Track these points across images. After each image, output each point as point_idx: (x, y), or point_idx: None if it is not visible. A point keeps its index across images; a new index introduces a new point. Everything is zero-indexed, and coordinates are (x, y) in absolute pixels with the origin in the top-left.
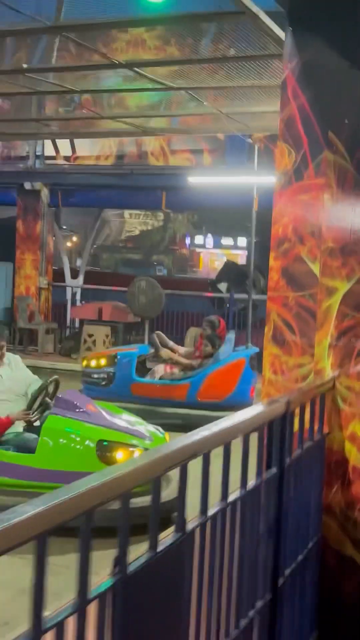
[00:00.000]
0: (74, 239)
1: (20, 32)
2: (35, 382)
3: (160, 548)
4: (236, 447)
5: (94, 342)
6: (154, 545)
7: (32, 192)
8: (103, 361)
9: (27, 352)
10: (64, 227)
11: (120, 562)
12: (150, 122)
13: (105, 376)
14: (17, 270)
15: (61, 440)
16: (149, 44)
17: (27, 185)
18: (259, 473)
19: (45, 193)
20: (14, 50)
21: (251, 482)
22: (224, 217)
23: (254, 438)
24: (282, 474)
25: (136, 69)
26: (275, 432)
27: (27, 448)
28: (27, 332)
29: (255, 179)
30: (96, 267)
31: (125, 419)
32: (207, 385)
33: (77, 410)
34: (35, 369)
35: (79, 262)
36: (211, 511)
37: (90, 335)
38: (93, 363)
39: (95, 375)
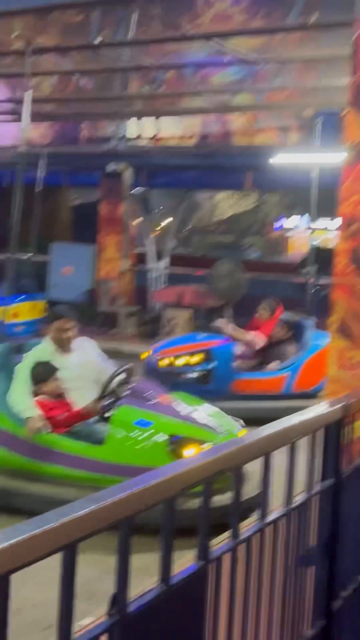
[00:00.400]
0: (164, 222)
1: (105, 2)
2: (108, 369)
3: (176, 579)
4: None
5: (174, 326)
6: (165, 578)
7: (115, 173)
8: (195, 358)
9: (108, 335)
10: (158, 209)
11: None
12: (234, 98)
13: (200, 374)
14: (99, 253)
15: (131, 433)
16: (236, 18)
17: (111, 167)
18: (311, 483)
19: (128, 174)
20: (99, 26)
21: (301, 495)
22: (317, 198)
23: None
24: (339, 485)
25: (220, 42)
26: (332, 437)
27: (97, 439)
28: (108, 315)
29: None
30: (187, 251)
31: (202, 411)
32: (303, 374)
33: (150, 401)
34: (115, 353)
35: (174, 247)
36: (250, 529)
37: (170, 320)
38: (181, 361)
39: (189, 375)
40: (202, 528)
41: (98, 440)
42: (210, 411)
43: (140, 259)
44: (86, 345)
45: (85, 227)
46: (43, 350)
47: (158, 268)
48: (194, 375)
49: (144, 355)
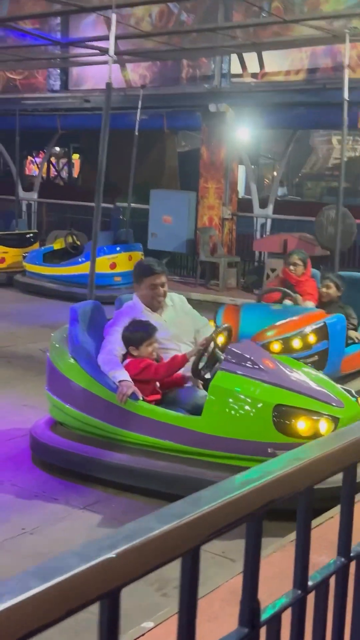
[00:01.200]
0: (273, 167)
1: None
2: (205, 327)
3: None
4: None
5: (277, 276)
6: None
7: (217, 114)
8: (312, 338)
9: (209, 286)
10: (263, 152)
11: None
12: (347, 26)
13: (316, 357)
14: (200, 200)
15: (231, 401)
16: None
17: (212, 107)
18: None
19: (230, 115)
20: None
21: None
22: None
23: None
24: None
25: None
26: None
27: (193, 408)
28: (209, 265)
29: None
30: (298, 197)
31: (310, 378)
32: None
33: (252, 365)
34: (215, 305)
35: (280, 192)
36: None
37: (273, 270)
38: (296, 344)
39: (309, 361)
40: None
41: (194, 409)
42: (318, 378)
43: (243, 206)
44: (177, 302)
45: (192, 174)
46: (133, 308)
47: (262, 215)
48: (314, 359)
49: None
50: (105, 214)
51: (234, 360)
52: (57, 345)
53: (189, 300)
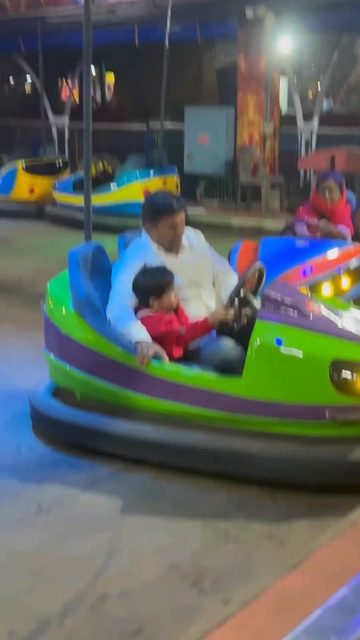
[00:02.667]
0: (317, 79)
1: None
2: (228, 272)
3: None
4: None
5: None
6: None
7: (255, 20)
8: (346, 282)
9: (250, 210)
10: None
11: None
12: None
13: None
14: (238, 116)
15: (277, 358)
16: None
17: (249, 13)
18: None
19: (269, 20)
20: None
21: None
22: None
23: None
24: None
25: None
26: None
27: (227, 365)
28: (250, 187)
29: None
30: (345, 110)
31: None
32: None
33: (295, 311)
34: (257, 231)
35: (326, 105)
36: None
37: None
38: (344, 283)
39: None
40: None
41: (224, 365)
42: None
43: (286, 121)
44: (194, 240)
45: (232, 91)
46: (144, 250)
47: (307, 130)
48: None
49: None
50: (139, 137)
51: (273, 307)
52: (55, 298)
53: (229, 228)
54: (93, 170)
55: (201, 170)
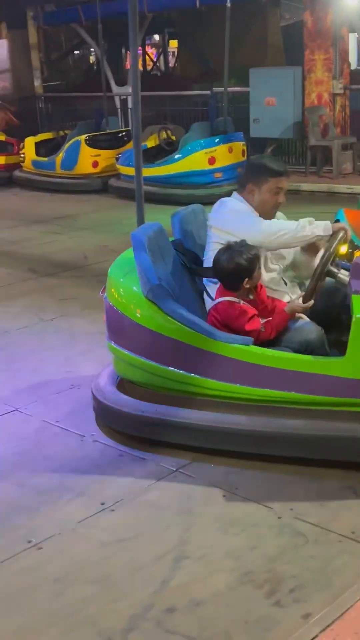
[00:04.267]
0: None
1: None
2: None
3: None
4: None
5: None
6: None
7: None
8: None
9: (321, 174)
10: None
11: None
12: None
13: None
14: (306, 76)
15: None
16: None
17: None
18: None
19: None
20: None
21: None
22: None
23: None
24: None
25: None
26: None
27: (311, 347)
28: (321, 149)
29: None
30: None
31: None
32: None
33: None
34: (330, 195)
35: None
36: None
37: None
38: None
39: None
40: None
41: (305, 347)
42: None
43: (357, 77)
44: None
45: (299, 51)
46: (248, 213)
47: None
48: None
49: None
50: (204, 103)
51: None
52: (120, 285)
53: (298, 192)
54: (156, 140)
55: (268, 134)
